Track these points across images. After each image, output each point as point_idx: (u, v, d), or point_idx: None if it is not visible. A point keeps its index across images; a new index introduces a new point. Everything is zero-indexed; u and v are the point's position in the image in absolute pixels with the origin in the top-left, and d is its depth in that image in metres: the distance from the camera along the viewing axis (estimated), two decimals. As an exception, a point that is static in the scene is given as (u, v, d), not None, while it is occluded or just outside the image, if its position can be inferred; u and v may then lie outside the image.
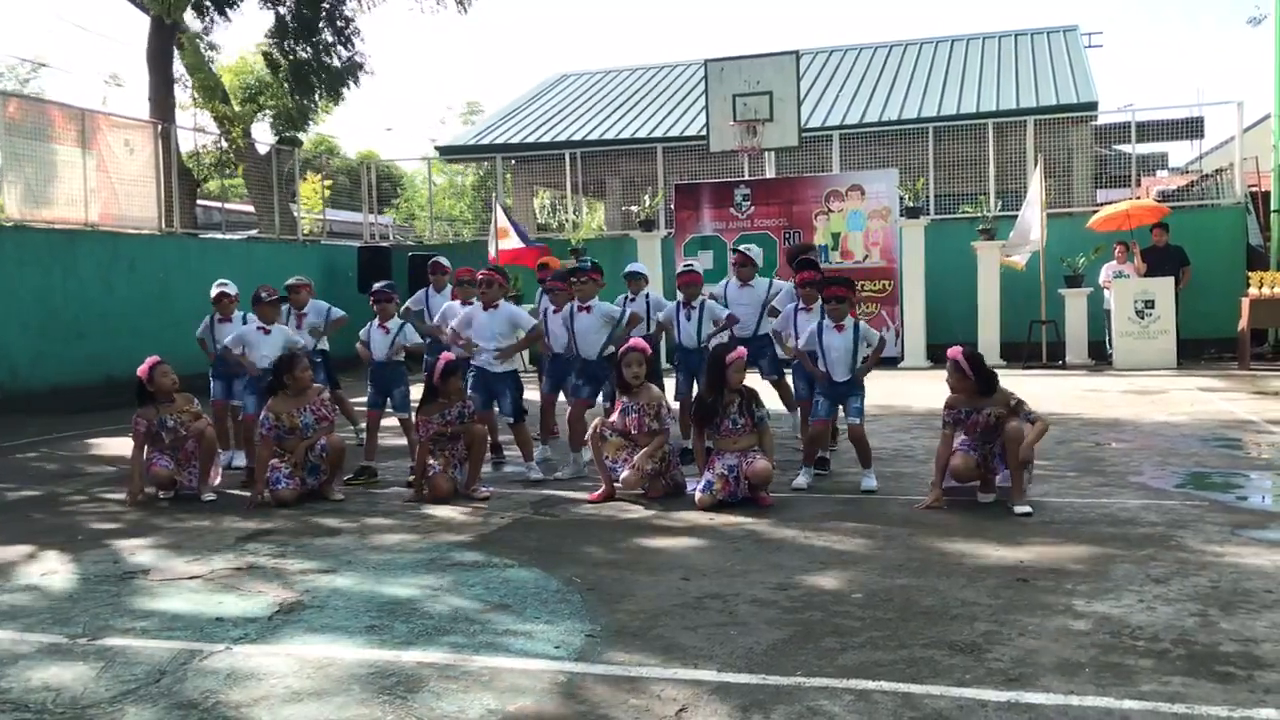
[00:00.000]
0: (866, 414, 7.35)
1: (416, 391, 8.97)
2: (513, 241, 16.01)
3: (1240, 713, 3.40)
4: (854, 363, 7.23)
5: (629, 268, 9.69)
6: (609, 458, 7.15)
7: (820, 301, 7.45)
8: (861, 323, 7.37)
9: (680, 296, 8.57)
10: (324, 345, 9.75)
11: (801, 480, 7.32)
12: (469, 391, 7.81)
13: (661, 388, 7.45)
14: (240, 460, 8.81)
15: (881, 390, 11.69)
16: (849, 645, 4.13)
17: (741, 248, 9.06)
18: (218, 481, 7.72)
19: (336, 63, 21.90)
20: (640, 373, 7.25)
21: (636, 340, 7.50)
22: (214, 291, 9.22)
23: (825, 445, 7.86)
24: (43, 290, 13.93)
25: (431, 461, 7.38)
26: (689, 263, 9.02)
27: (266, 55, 21.85)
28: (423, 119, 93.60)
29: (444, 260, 10.22)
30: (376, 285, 8.67)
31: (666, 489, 7.13)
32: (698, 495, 6.77)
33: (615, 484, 7.14)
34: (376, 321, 8.43)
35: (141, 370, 7.63)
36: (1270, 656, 3.87)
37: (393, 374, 8.44)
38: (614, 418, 7.31)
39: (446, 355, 7.63)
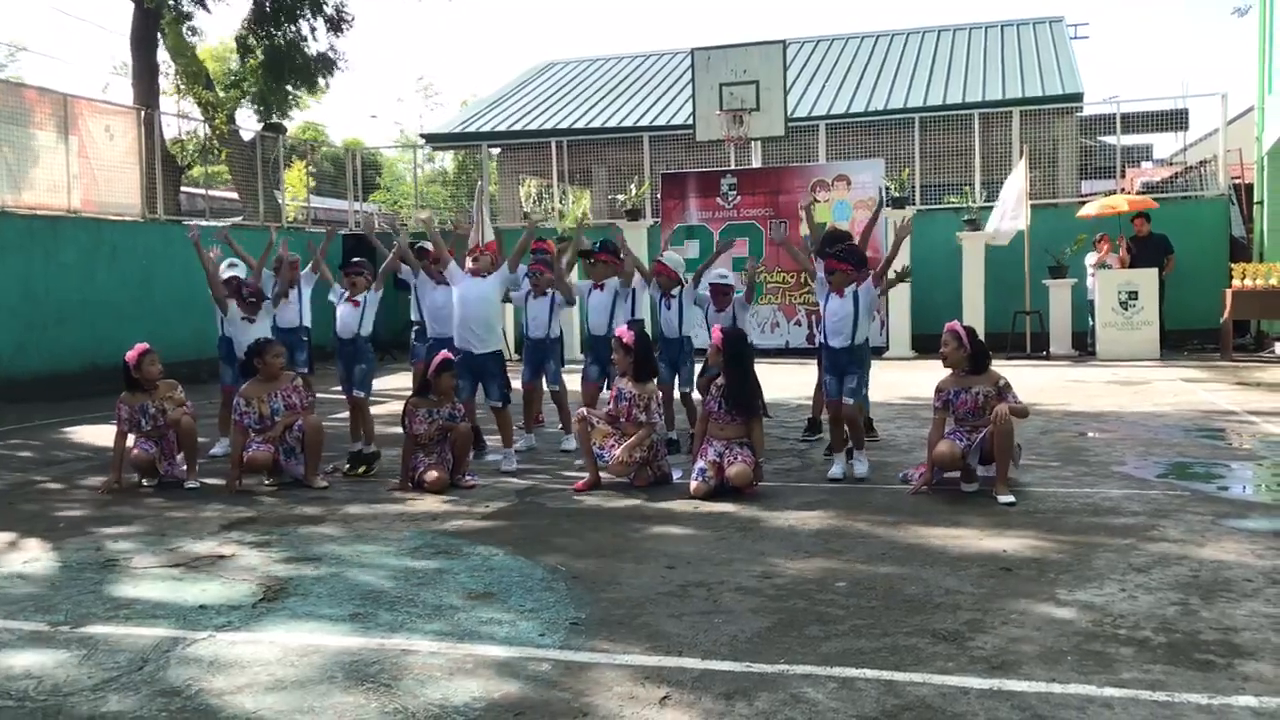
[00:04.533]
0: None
1: (399, 381, 8.96)
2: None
3: (1219, 700, 3.42)
4: (854, 331, 7.22)
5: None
6: (596, 444, 7.15)
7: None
8: (863, 288, 7.24)
9: (659, 288, 8.57)
10: (308, 323, 9.67)
11: (836, 470, 7.25)
12: (456, 381, 7.80)
13: (655, 376, 7.44)
14: (217, 449, 8.76)
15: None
16: (832, 633, 4.14)
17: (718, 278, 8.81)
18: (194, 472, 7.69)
19: (317, 49, 21.74)
20: (619, 361, 7.25)
21: (621, 329, 7.49)
22: (226, 272, 9.05)
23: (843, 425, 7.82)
24: (24, 277, 13.82)
25: (421, 457, 7.34)
26: (662, 255, 9.01)
27: (240, 40, 21.66)
28: (403, 106, 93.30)
29: (429, 245, 10.10)
30: (351, 261, 8.52)
31: (653, 478, 7.14)
32: (692, 484, 6.78)
33: (600, 472, 7.14)
34: (346, 295, 8.29)
35: (130, 356, 7.59)
36: (1249, 645, 3.90)
37: (359, 351, 8.34)
38: (609, 405, 7.31)
39: (445, 353, 7.60)
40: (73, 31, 75.03)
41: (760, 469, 6.89)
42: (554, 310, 8.67)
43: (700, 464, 6.84)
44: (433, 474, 7.17)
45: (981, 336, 6.97)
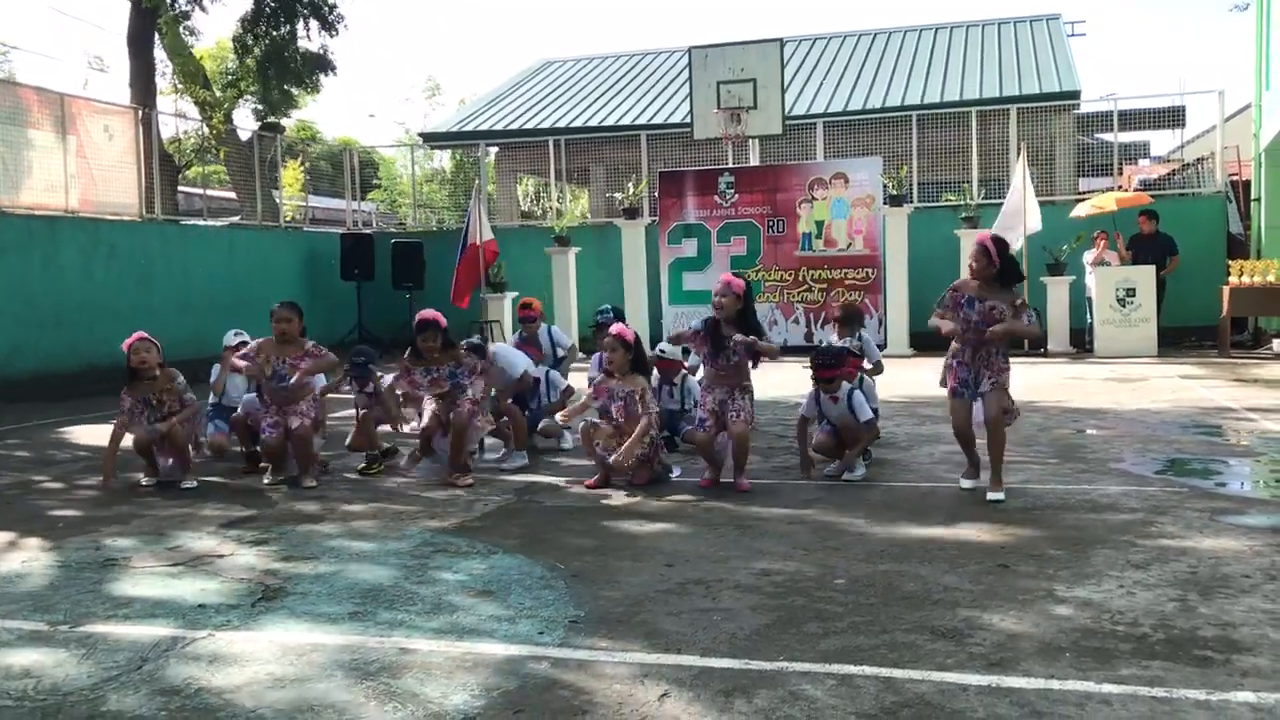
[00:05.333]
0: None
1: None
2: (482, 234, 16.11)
3: (1218, 696, 3.43)
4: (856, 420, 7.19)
5: (600, 314, 9.36)
6: (599, 444, 7.12)
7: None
8: (856, 393, 7.23)
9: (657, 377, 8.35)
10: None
11: (833, 467, 7.26)
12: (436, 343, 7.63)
13: (647, 375, 7.43)
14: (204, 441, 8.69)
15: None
16: (831, 630, 4.14)
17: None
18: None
19: (311, 48, 21.75)
20: (617, 359, 7.16)
21: (619, 326, 7.48)
22: (231, 340, 8.75)
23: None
24: (22, 277, 13.81)
25: (428, 403, 7.38)
26: (662, 350, 8.57)
27: (237, 40, 21.66)
28: (399, 103, 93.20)
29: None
30: (354, 358, 8.18)
31: (652, 475, 7.14)
32: (695, 433, 6.91)
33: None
34: (357, 389, 8.10)
35: (125, 344, 7.59)
36: (1247, 641, 3.91)
37: None
38: (599, 402, 7.28)
39: (428, 311, 7.53)
40: (70, 31, 75.00)
41: (771, 352, 6.94)
42: (550, 388, 8.75)
43: (700, 414, 6.89)
44: (429, 407, 7.29)
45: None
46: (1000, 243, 6.58)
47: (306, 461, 7.53)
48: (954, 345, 6.61)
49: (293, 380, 7.49)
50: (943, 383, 6.77)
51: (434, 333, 7.42)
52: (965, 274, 6.77)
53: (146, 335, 7.68)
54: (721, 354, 6.91)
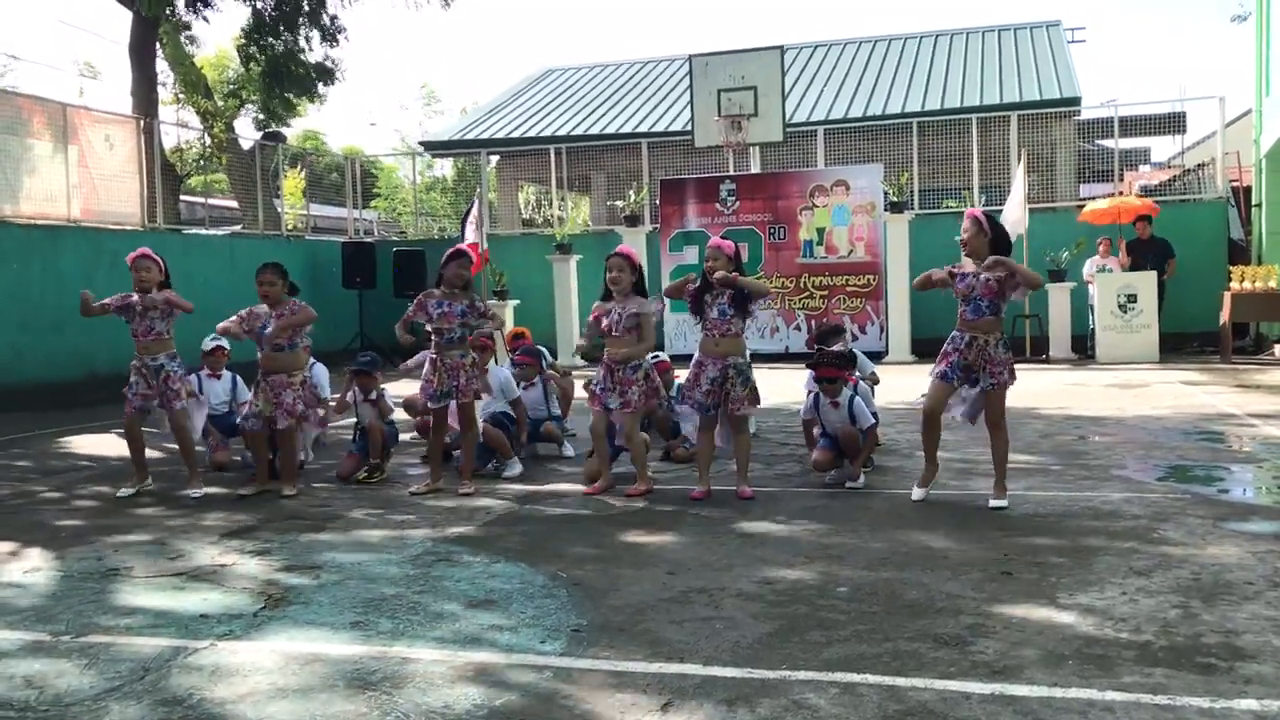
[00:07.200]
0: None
1: (406, 388, 8.95)
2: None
3: (1221, 703, 3.42)
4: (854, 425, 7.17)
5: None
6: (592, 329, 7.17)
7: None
8: (857, 400, 7.22)
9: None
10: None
11: (834, 474, 7.25)
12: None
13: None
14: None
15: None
16: (834, 638, 4.14)
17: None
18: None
19: (314, 59, 21.79)
20: (621, 277, 7.02)
21: (625, 247, 7.43)
22: (208, 345, 8.79)
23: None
24: (23, 286, 13.82)
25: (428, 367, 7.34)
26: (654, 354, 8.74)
27: (241, 50, 21.72)
28: (397, 111, 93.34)
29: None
30: (359, 358, 8.20)
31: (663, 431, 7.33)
32: (697, 424, 6.95)
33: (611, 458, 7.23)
34: (361, 397, 8.11)
35: (129, 258, 7.64)
36: (1251, 648, 3.90)
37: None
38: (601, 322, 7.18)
39: (459, 246, 7.46)
40: (73, 41, 75.18)
41: (760, 290, 7.01)
42: (548, 395, 8.80)
43: (697, 396, 6.80)
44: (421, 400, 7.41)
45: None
46: (989, 216, 6.54)
47: (289, 462, 7.50)
48: (953, 332, 6.49)
49: (270, 329, 7.30)
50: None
51: (464, 263, 7.34)
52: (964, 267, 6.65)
53: (147, 251, 7.65)
54: (714, 307, 6.78)
